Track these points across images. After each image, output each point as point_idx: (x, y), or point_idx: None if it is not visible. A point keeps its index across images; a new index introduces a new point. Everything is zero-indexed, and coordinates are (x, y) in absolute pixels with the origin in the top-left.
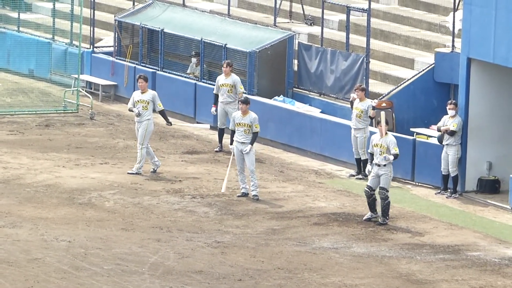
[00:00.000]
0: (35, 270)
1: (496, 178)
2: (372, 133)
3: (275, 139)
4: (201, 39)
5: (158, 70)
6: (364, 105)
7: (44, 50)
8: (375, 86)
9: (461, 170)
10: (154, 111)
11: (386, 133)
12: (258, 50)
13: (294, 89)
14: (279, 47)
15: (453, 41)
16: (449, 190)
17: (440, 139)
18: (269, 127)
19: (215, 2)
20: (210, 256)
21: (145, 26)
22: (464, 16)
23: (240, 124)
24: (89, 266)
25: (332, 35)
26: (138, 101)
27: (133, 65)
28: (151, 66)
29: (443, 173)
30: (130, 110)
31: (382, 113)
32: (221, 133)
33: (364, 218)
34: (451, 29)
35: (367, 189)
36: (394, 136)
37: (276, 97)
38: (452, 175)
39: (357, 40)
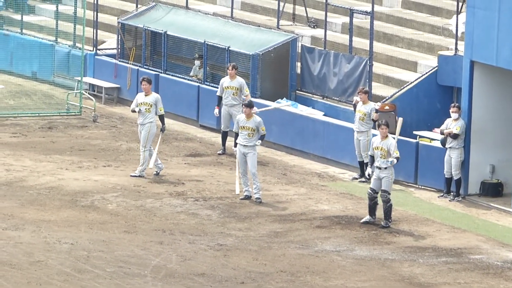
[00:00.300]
0: (38, 273)
1: (499, 181)
2: (375, 135)
3: (278, 141)
4: (204, 41)
5: (161, 73)
6: (367, 108)
7: (47, 52)
8: (378, 89)
9: (464, 173)
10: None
11: (386, 136)
12: (261, 53)
13: (297, 91)
14: (282, 50)
15: (456, 44)
16: (452, 193)
17: (443, 142)
18: (272, 130)
19: (218, 5)
20: (212, 259)
21: (148, 28)
22: (467, 19)
23: (244, 127)
24: (91, 268)
25: (335, 38)
26: (141, 103)
27: (136, 67)
28: (154, 69)
29: (446, 176)
30: (133, 111)
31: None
32: (224, 136)
33: (362, 220)
34: (454, 32)
35: (370, 191)
36: (398, 139)
37: (279, 100)
38: (455, 178)
39: (360, 43)
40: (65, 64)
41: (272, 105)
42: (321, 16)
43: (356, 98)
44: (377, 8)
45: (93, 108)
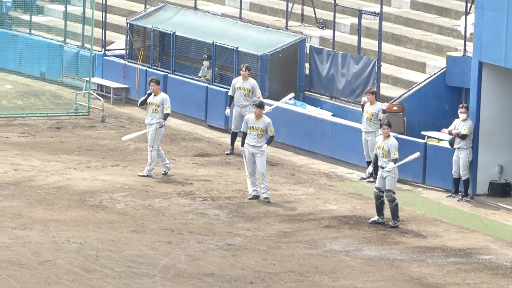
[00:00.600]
0: (46, 272)
1: (507, 181)
2: None
3: (286, 142)
4: (213, 42)
5: (169, 73)
6: (374, 109)
7: (56, 52)
8: (386, 89)
9: (472, 173)
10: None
11: (388, 136)
12: (269, 54)
13: (305, 92)
14: (291, 51)
15: (464, 45)
16: (460, 194)
17: (451, 143)
18: (280, 130)
19: (226, 5)
20: (221, 258)
21: (157, 29)
22: (476, 20)
23: (253, 128)
24: (100, 268)
25: (343, 39)
26: (149, 103)
27: (145, 68)
28: (162, 69)
29: (454, 176)
30: (141, 104)
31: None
32: (233, 136)
33: (370, 220)
34: (462, 33)
35: (376, 190)
36: (406, 139)
37: (288, 101)
38: (463, 178)
39: (369, 43)
40: (74, 64)
41: (274, 104)
42: (330, 17)
43: (364, 98)
44: (385, 9)
45: (101, 109)
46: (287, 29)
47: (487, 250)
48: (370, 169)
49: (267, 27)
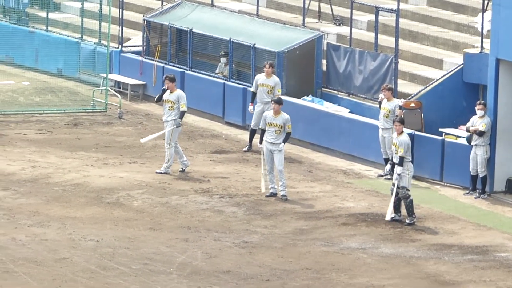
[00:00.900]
0: (63, 270)
1: None
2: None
3: (303, 139)
4: (230, 39)
5: (186, 70)
6: (391, 105)
7: (73, 49)
8: (403, 86)
9: (489, 170)
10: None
11: (401, 132)
12: (286, 50)
13: (322, 89)
14: (308, 47)
15: (481, 41)
16: (477, 191)
17: (469, 140)
18: (297, 127)
19: (243, 2)
20: (237, 256)
21: (174, 25)
22: (493, 16)
23: (271, 124)
24: (116, 265)
25: (360, 36)
26: (165, 100)
27: (162, 64)
28: (179, 66)
29: (471, 173)
30: (157, 101)
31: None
32: (252, 133)
33: (387, 217)
34: (479, 29)
35: (392, 187)
36: (423, 136)
37: (305, 97)
38: (480, 175)
39: (386, 40)
40: (91, 61)
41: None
42: (347, 13)
43: (381, 95)
44: (402, 5)
45: (118, 105)
46: (304, 26)
47: (504, 248)
48: (388, 167)
49: (284, 24)
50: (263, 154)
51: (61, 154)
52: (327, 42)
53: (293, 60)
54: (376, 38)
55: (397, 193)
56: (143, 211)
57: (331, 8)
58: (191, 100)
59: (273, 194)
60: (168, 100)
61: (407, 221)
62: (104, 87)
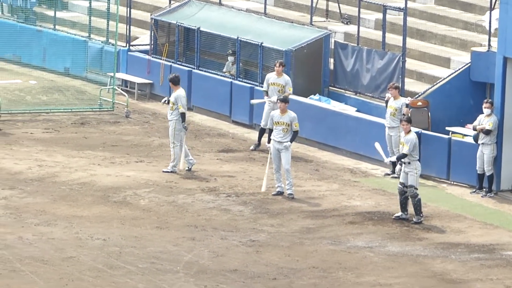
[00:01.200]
0: (70, 269)
1: None
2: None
3: (310, 137)
4: (237, 37)
5: (194, 69)
6: (398, 103)
7: (80, 48)
8: (411, 85)
9: (496, 169)
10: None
11: (409, 131)
12: (294, 49)
13: (330, 87)
14: (315, 46)
15: (489, 40)
16: (484, 189)
17: (476, 138)
18: (304, 126)
19: (251, 1)
20: (244, 254)
21: (181, 24)
22: (501, 15)
23: (278, 123)
24: (123, 264)
25: (368, 34)
26: (170, 100)
27: (169, 63)
28: (187, 65)
29: (478, 172)
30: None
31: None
32: (261, 132)
33: (394, 216)
34: (487, 28)
35: (400, 186)
36: (430, 135)
37: (312, 96)
38: (487, 174)
39: (393, 39)
40: (98, 60)
41: (265, 99)
42: (354, 12)
43: (388, 94)
44: (410, 4)
45: (125, 104)
46: (312, 25)
47: (511, 246)
48: (398, 167)
49: (292, 22)
50: (271, 154)
51: (68, 153)
52: (335, 41)
53: (300, 58)
54: (383, 36)
55: (404, 192)
56: (150, 210)
57: (339, 7)
58: (198, 99)
59: (280, 193)
60: (170, 99)
61: (414, 219)
62: (111, 86)
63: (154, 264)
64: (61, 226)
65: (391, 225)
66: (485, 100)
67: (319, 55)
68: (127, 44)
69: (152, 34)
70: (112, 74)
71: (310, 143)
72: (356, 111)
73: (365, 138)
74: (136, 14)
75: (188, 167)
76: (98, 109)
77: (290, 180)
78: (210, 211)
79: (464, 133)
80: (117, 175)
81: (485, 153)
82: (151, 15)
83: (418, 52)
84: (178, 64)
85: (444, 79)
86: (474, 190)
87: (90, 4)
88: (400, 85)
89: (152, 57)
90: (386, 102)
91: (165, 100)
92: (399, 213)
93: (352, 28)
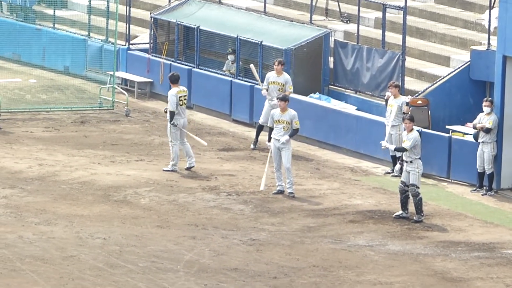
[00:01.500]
0: (70, 268)
1: None
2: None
3: (310, 136)
4: (237, 36)
5: (194, 67)
6: (398, 102)
7: (80, 47)
8: (411, 83)
9: (496, 167)
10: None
11: (411, 130)
12: (294, 48)
13: (330, 86)
14: (315, 45)
15: (488, 39)
16: (484, 188)
17: (476, 137)
18: (305, 125)
19: (251, 0)
20: (245, 253)
21: (181, 23)
22: (500, 14)
23: (279, 121)
24: (124, 263)
25: (368, 33)
26: None
27: (169, 62)
28: (187, 63)
29: (478, 170)
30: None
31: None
32: (259, 129)
33: (395, 215)
34: (487, 27)
35: (401, 185)
36: (431, 133)
37: (312, 95)
38: (487, 172)
39: (393, 37)
40: (98, 58)
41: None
42: (354, 11)
43: (388, 93)
44: (410, 3)
45: (125, 103)
46: (312, 23)
47: (511, 244)
48: (398, 167)
49: (292, 21)
50: (271, 152)
51: (68, 152)
52: (335, 40)
53: (300, 57)
54: (383, 35)
55: (405, 191)
56: (151, 209)
57: (339, 6)
58: (199, 97)
59: (280, 192)
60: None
61: (415, 218)
62: (111, 85)
63: (155, 263)
64: (62, 225)
65: (391, 223)
66: (485, 99)
67: (319, 53)
68: (127, 43)
69: (152, 33)
70: (112, 72)
71: (311, 142)
72: (356, 109)
73: (366, 137)
74: (136, 12)
75: (188, 167)
76: (98, 108)
77: (291, 179)
78: (211, 210)
79: (464, 132)
80: (118, 174)
81: (485, 152)
82: (150, 13)
83: (418, 51)
84: (178, 62)
85: (444, 77)
86: (474, 188)
87: (90, 3)
88: (400, 84)
89: (152, 55)
90: (386, 100)
91: (166, 109)
92: (400, 212)
93: (352, 27)
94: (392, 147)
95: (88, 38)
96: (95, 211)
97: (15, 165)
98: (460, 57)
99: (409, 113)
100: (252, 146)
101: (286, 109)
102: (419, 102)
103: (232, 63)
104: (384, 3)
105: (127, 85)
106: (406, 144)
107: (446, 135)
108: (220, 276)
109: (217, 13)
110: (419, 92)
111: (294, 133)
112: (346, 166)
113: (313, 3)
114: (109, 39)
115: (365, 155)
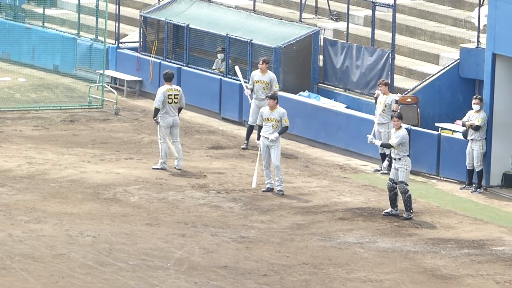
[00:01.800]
0: (60, 266)
1: None
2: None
3: (300, 134)
4: (227, 34)
5: (183, 66)
6: (387, 100)
7: (69, 45)
8: (400, 81)
9: (486, 165)
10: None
11: (399, 128)
12: (283, 46)
13: (319, 84)
14: (305, 43)
15: (478, 36)
16: (474, 185)
17: (465, 134)
18: (294, 123)
19: None
20: (235, 251)
21: (171, 21)
22: (490, 11)
23: (268, 119)
24: (114, 261)
25: (357, 31)
26: None
27: (158, 60)
28: (176, 62)
29: (468, 168)
30: None
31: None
32: (249, 129)
33: (384, 212)
34: (476, 24)
35: (389, 182)
36: (420, 131)
37: (301, 93)
38: (477, 170)
39: (383, 35)
40: (87, 57)
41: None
42: (344, 9)
43: (377, 91)
44: (399, 1)
45: (115, 101)
46: (301, 22)
47: (501, 242)
48: (386, 164)
49: (281, 19)
50: (260, 150)
51: (58, 151)
52: (324, 38)
53: (290, 55)
54: (373, 33)
55: (394, 188)
56: (140, 207)
57: (328, 4)
58: (188, 96)
59: (270, 189)
60: None
61: (405, 215)
62: (101, 84)
63: (145, 261)
64: (51, 223)
65: (381, 221)
66: (474, 96)
67: (309, 52)
68: (116, 42)
69: (141, 31)
70: (101, 71)
71: (300, 140)
72: (346, 107)
73: (355, 135)
74: (125, 11)
75: (175, 167)
76: (87, 107)
77: (280, 177)
78: (201, 207)
79: (453, 129)
80: (107, 172)
81: (474, 149)
82: (140, 12)
83: (407, 49)
84: (167, 61)
85: (433, 75)
86: (463, 186)
87: (79, 1)
88: (389, 82)
89: (142, 54)
90: (376, 98)
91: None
92: (389, 209)
93: (341, 25)
94: (378, 142)
95: (78, 37)
96: (85, 209)
97: (5, 164)
98: (450, 55)
99: (398, 111)
100: (243, 146)
101: (275, 107)
102: (409, 100)
103: (221, 62)
104: (373, 1)
105: (116, 84)
106: (392, 141)
107: (436, 132)
108: (210, 274)
109: (207, 12)
110: (409, 90)
111: (283, 131)
112: (335, 164)
113: (303, 1)
114: (99, 37)
115: (354, 152)
